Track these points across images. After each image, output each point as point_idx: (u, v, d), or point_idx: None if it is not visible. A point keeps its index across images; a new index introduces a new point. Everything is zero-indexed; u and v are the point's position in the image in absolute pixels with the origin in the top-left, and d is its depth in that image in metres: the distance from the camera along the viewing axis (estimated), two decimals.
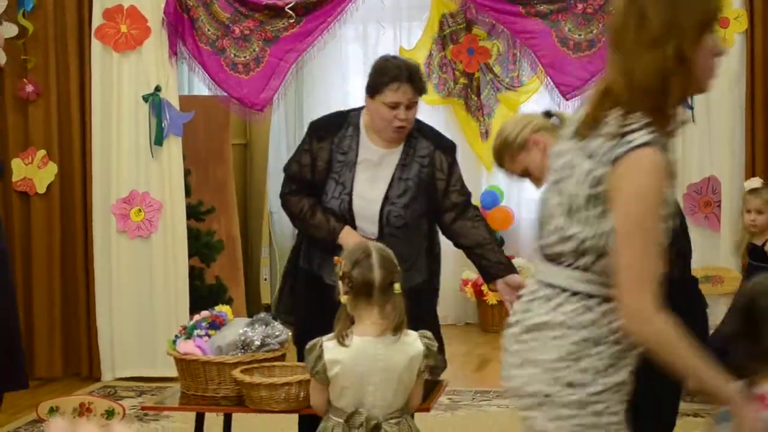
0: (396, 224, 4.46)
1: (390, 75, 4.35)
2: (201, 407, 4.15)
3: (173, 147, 7.29)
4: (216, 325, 4.22)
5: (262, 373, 3.99)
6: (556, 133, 3.56)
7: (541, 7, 7.05)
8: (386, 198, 4.47)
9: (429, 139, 4.56)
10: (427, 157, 4.53)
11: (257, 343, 4.10)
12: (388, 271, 3.58)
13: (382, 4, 8.46)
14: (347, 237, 4.38)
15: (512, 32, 7.15)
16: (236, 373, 3.93)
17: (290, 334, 4.25)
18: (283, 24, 7.14)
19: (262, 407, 3.92)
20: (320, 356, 3.56)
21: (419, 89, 4.41)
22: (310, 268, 4.58)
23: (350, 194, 4.45)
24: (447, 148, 4.63)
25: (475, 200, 9.16)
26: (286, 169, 4.59)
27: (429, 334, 3.68)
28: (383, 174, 4.49)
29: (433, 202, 4.55)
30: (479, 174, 9.15)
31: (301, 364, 4.10)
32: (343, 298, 3.59)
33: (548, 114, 4.08)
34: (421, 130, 4.57)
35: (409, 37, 8.90)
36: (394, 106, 4.34)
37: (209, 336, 4.17)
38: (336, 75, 9.48)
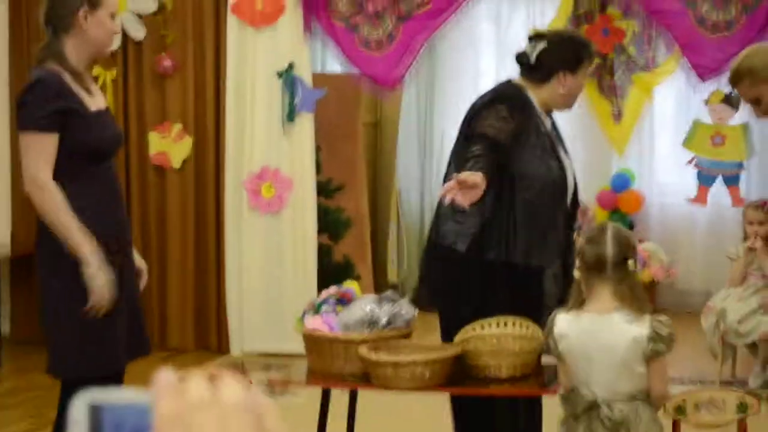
0: (574, 195, 4.50)
1: (591, 48, 4.49)
2: (327, 383, 4.16)
3: (305, 124, 7.32)
4: (344, 301, 4.22)
5: (389, 351, 3.97)
6: None
7: None
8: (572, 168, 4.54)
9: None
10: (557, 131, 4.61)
11: (384, 320, 4.09)
12: (622, 247, 3.55)
13: None
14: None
15: (648, 12, 7.02)
16: (362, 350, 3.92)
17: (416, 313, 4.22)
18: (417, 1, 7.11)
19: (387, 385, 3.90)
20: (552, 329, 3.58)
21: None
22: (510, 257, 4.27)
23: (563, 165, 4.43)
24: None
25: (606, 182, 9.09)
26: (481, 132, 4.22)
27: (664, 318, 3.56)
28: (559, 146, 4.51)
29: None
30: (610, 156, 9.01)
31: (427, 344, 4.09)
32: (576, 273, 3.59)
33: None
34: None
35: (542, 16, 8.78)
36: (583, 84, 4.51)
37: (336, 312, 4.17)
38: (468, 54, 9.40)
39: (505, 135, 4.22)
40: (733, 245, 6.64)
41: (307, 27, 7.25)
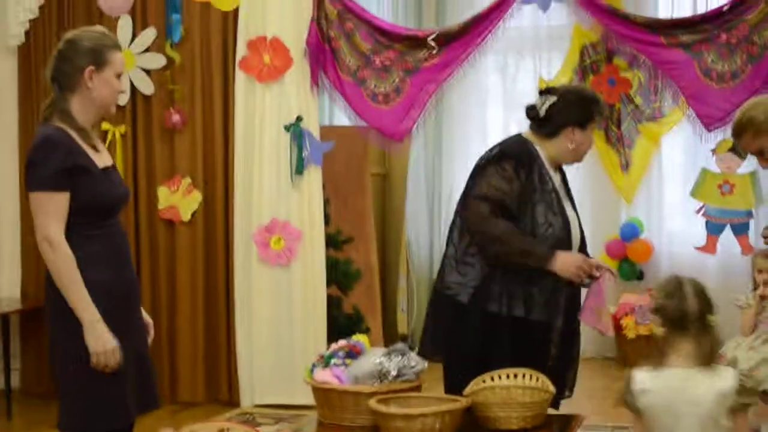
0: (581, 248, 4.51)
1: (598, 104, 4.53)
2: None
3: (313, 176, 7.35)
4: (353, 354, 4.23)
5: (398, 403, 3.96)
6: None
7: (684, 38, 6.93)
8: (579, 223, 4.56)
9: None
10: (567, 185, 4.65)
11: (393, 373, 4.09)
12: (703, 301, 3.55)
13: (522, 35, 8.42)
14: (561, 259, 4.32)
15: (654, 63, 7.04)
16: (372, 402, 3.91)
17: (426, 365, 4.22)
18: (424, 55, 7.14)
19: None
20: (630, 385, 3.53)
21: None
22: (511, 310, 4.38)
23: (568, 224, 4.45)
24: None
25: (615, 232, 9.08)
26: (483, 191, 4.36)
27: (734, 371, 3.58)
28: (566, 201, 4.53)
29: None
30: (619, 206, 9.01)
31: (437, 395, 4.08)
32: (657, 331, 3.58)
33: None
34: None
35: (549, 67, 8.83)
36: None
37: (346, 365, 4.17)
38: (475, 105, 9.44)
39: (509, 198, 4.29)
40: (743, 294, 6.62)
41: (315, 81, 7.29)
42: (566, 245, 4.40)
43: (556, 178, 4.50)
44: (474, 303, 4.38)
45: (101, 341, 3.76)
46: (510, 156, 4.40)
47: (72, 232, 3.80)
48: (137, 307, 4.09)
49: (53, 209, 3.77)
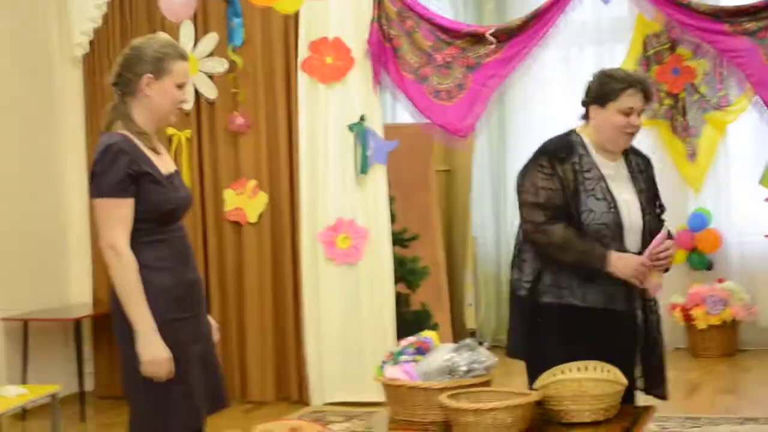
0: (654, 234, 4.42)
1: (625, 81, 4.38)
2: None
3: (378, 175, 7.38)
4: (422, 350, 4.23)
5: (469, 398, 3.96)
6: None
7: (748, 25, 6.86)
8: (643, 208, 4.46)
9: (638, 154, 4.59)
10: (645, 171, 4.56)
11: (463, 368, 4.09)
12: None
13: (583, 27, 8.39)
14: (618, 262, 4.29)
15: (718, 51, 6.97)
16: (443, 398, 3.92)
17: (496, 360, 4.22)
18: (485, 50, 7.14)
19: None
20: None
21: (649, 96, 4.44)
22: (561, 299, 4.38)
23: (617, 208, 4.41)
24: (649, 162, 4.64)
25: (683, 222, 9.01)
26: (532, 199, 4.40)
27: None
28: (626, 186, 4.46)
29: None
30: (686, 196, 8.94)
31: (507, 389, 4.08)
32: None
33: None
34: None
35: (611, 58, 8.77)
36: (629, 112, 4.34)
37: (416, 362, 4.18)
38: (538, 99, 9.40)
39: (557, 195, 4.35)
40: None
41: (377, 80, 7.32)
42: (613, 230, 4.36)
43: (610, 165, 4.45)
44: (530, 297, 4.40)
45: (151, 350, 3.76)
46: (545, 152, 4.42)
47: (136, 238, 3.81)
48: (202, 309, 4.10)
49: (117, 216, 3.78)
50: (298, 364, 7.59)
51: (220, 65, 7.61)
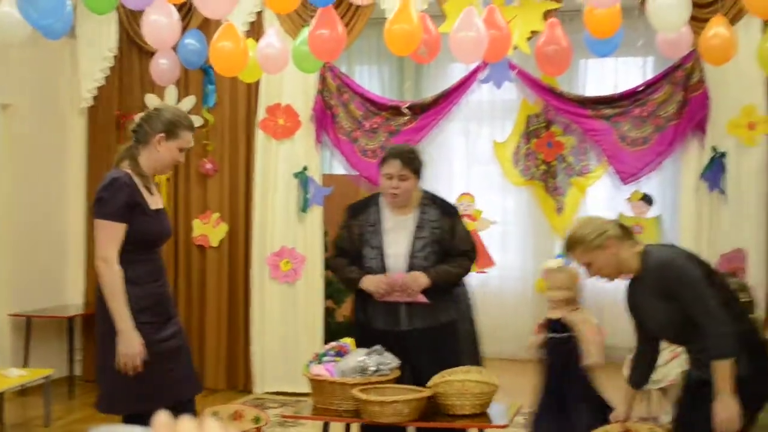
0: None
1: (385, 154, 4.55)
2: (327, 417, 4.16)
3: (316, 213, 7.37)
4: (341, 353, 4.24)
5: (376, 392, 3.97)
6: (623, 241, 3.70)
7: (606, 111, 7.00)
8: (410, 253, 4.46)
9: (437, 208, 4.55)
10: (437, 221, 4.52)
11: (372, 368, 4.10)
12: None
13: (480, 106, 8.45)
14: (365, 280, 4.45)
15: (582, 130, 7.09)
16: (355, 391, 3.92)
17: (399, 362, 4.23)
18: (403, 120, 7.18)
19: (374, 419, 3.90)
20: None
21: (407, 164, 4.46)
22: (361, 317, 4.58)
23: (383, 254, 4.45)
24: (449, 213, 4.59)
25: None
26: (335, 240, 4.68)
27: None
28: (404, 236, 4.49)
29: (446, 252, 4.51)
30: (553, 242, 9.01)
31: (407, 387, 4.09)
32: None
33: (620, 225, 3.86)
34: (432, 199, 4.59)
35: (502, 131, 8.85)
36: (389, 177, 4.44)
37: (335, 362, 4.18)
38: (443, 162, 9.43)
39: (344, 241, 4.59)
40: None
41: (318, 139, 7.32)
42: (379, 272, 4.46)
43: (397, 219, 4.50)
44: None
45: (128, 345, 3.74)
46: (348, 208, 4.68)
47: (122, 256, 3.80)
48: (173, 312, 4.07)
49: (112, 236, 3.77)
50: (246, 359, 7.52)
51: (195, 121, 7.55)
